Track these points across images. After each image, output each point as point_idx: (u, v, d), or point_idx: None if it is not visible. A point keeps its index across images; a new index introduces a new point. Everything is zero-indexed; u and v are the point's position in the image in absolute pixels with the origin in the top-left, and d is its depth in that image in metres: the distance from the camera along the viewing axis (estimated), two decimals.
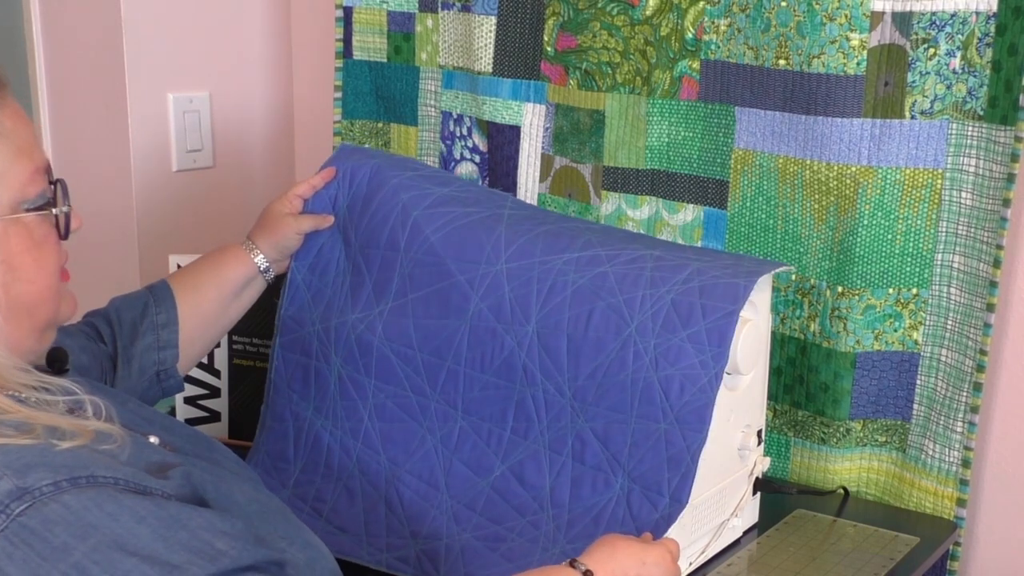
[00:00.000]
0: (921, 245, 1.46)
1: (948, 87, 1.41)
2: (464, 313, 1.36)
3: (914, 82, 1.41)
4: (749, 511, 1.39)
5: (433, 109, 1.82)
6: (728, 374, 1.26)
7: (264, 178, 2.06)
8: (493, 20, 1.69)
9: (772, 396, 1.57)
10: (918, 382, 1.49)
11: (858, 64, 1.42)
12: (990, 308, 1.39)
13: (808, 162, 1.48)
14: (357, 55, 1.86)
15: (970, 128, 1.40)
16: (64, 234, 1.05)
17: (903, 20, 1.40)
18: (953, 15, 1.38)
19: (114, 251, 1.90)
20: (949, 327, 1.45)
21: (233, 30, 1.98)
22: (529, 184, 1.72)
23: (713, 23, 1.53)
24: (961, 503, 1.46)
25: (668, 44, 1.56)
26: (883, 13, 1.40)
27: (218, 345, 1.66)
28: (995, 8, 1.36)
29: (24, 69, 1.92)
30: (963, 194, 1.42)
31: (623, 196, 1.64)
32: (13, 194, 1.00)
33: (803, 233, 1.52)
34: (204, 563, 0.88)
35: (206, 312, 1.41)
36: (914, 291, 1.47)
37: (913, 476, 1.50)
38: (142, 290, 1.41)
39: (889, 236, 1.46)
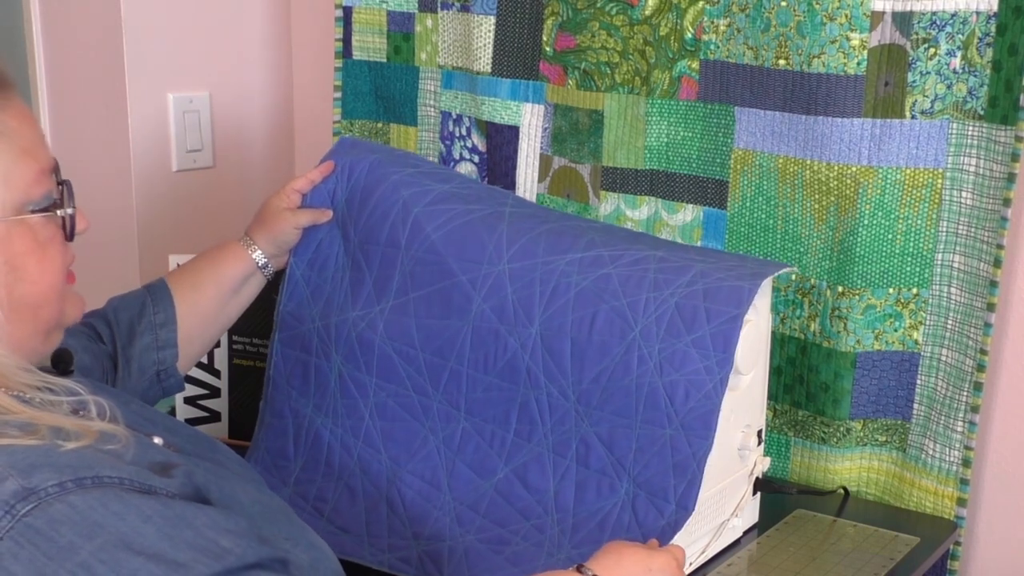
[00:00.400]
0: (921, 245, 1.46)
1: (948, 87, 1.41)
2: (466, 313, 1.35)
3: (914, 82, 1.41)
4: (749, 511, 1.39)
5: (432, 109, 1.82)
6: None
7: (264, 178, 2.06)
8: (492, 20, 1.69)
9: (772, 396, 1.57)
10: (918, 382, 1.49)
11: (858, 64, 1.42)
12: (990, 308, 1.39)
13: (808, 162, 1.48)
14: (357, 55, 1.86)
15: (970, 128, 1.40)
16: (70, 236, 1.05)
17: (903, 20, 1.40)
18: (953, 15, 1.38)
19: (114, 251, 1.90)
20: (949, 327, 1.45)
21: (233, 30, 1.98)
22: (528, 184, 1.72)
23: (712, 23, 1.52)
24: (961, 503, 1.46)
25: (667, 44, 1.56)
26: (883, 13, 1.40)
27: (218, 345, 1.66)
28: (995, 8, 1.36)
29: (24, 69, 1.92)
30: (963, 194, 1.42)
31: (622, 196, 1.64)
32: (17, 195, 0.99)
33: (803, 233, 1.52)
34: (210, 561, 0.88)
35: (204, 310, 1.41)
36: (914, 291, 1.47)
37: (913, 476, 1.50)
38: (140, 289, 1.40)
39: (889, 236, 1.46)
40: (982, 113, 1.39)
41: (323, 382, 1.44)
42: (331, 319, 1.44)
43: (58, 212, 1.03)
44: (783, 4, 1.45)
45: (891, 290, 1.48)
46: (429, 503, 1.34)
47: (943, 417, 1.46)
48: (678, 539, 1.21)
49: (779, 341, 1.56)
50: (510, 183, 1.73)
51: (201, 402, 1.68)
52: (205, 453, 1.13)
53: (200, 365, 1.65)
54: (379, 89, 1.86)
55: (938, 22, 1.39)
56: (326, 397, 1.44)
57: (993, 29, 1.36)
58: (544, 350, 1.31)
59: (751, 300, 1.24)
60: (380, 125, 1.89)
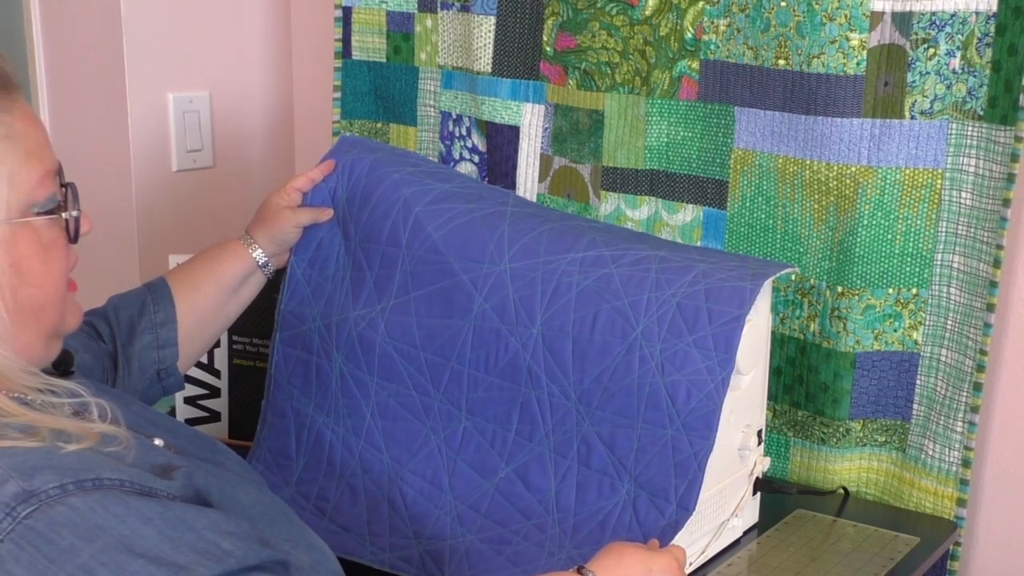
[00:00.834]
0: (921, 245, 1.46)
1: (948, 87, 1.41)
2: (468, 313, 1.35)
3: (914, 82, 1.41)
4: (749, 511, 1.39)
5: (432, 109, 1.82)
6: None
7: (264, 178, 2.06)
8: (492, 20, 1.69)
9: (772, 396, 1.57)
10: (918, 382, 1.49)
11: (858, 64, 1.42)
12: (990, 308, 1.39)
13: (808, 162, 1.48)
14: (356, 55, 1.86)
15: (970, 128, 1.40)
16: (73, 238, 1.05)
17: (903, 20, 1.40)
18: (953, 15, 1.38)
19: (114, 251, 1.90)
20: (949, 327, 1.45)
21: (233, 30, 1.99)
22: (528, 184, 1.72)
23: (712, 23, 1.52)
24: (961, 503, 1.46)
25: (667, 44, 1.56)
26: (883, 13, 1.40)
27: (218, 345, 1.66)
28: (995, 8, 1.36)
29: (24, 69, 1.92)
30: (963, 194, 1.42)
31: (622, 196, 1.64)
32: (22, 197, 0.99)
33: (803, 233, 1.52)
34: (211, 564, 0.88)
35: (204, 309, 1.41)
36: (914, 291, 1.47)
37: (913, 476, 1.50)
38: (140, 288, 1.40)
39: (889, 236, 1.46)
40: (982, 113, 1.39)
41: (324, 381, 1.44)
42: (332, 318, 1.44)
43: (62, 214, 1.03)
44: (783, 4, 1.45)
45: (891, 290, 1.48)
46: (430, 502, 1.35)
47: (943, 417, 1.46)
48: (678, 539, 1.21)
49: (779, 341, 1.56)
50: (510, 183, 1.73)
51: (201, 402, 1.68)
52: (206, 455, 1.13)
53: (200, 365, 1.65)
54: (379, 89, 1.87)
55: (938, 22, 1.39)
56: (328, 396, 1.44)
57: (993, 29, 1.36)
58: (545, 350, 1.31)
59: (753, 301, 1.24)
60: (380, 125, 1.89)
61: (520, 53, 1.68)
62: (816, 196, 1.49)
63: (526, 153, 1.71)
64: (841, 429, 1.52)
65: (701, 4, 1.52)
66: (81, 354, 1.26)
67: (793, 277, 1.54)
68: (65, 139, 1.93)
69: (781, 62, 1.47)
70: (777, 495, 1.47)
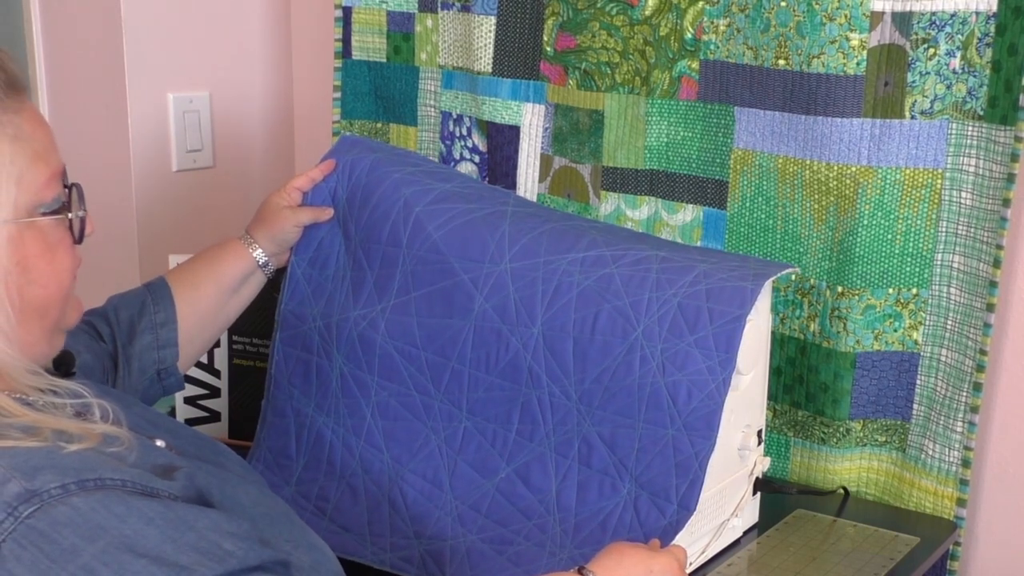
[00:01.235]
0: (921, 245, 1.46)
1: (948, 87, 1.41)
2: (468, 313, 1.35)
3: (914, 82, 1.41)
4: (749, 511, 1.39)
5: (433, 109, 1.82)
6: None
7: (264, 178, 2.06)
8: (492, 20, 1.69)
9: (772, 396, 1.57)
10: (918, 382, 1.49)
11: (858, 64, 1.42)
12: (990, 308, 1.39)
13: (808, 162, 1.48)
14: (356, 55, 1.86)
15: (970, 128, 1.40)
16: (79, 238, 1.06)
17: (903, 20, 1.40)
18: (953, 15, 1.38)
19: (114, 251, 1.90)
20: (949, 327, 1.45)
21: (233, 30, 1.99)
22: (528, 184, 1.72)
23: (712, 23, 1.52)
24: (961, 503, 1.46)
25: (667, 44, 1.56)
26: (883, 13, 1.40)
27: (218, 345, 1.66)
28: (995, 8, 1.36)
29: (24, 69, 1.91)
30: (963, 194, 1.42)
31: (622, 196, 1.64)
32: (30, 198, 1.00)
33: (803, 233, 1.52)
34: (212, 564, 0.88)
35: (204, 309, 1.41)
36: (914, 291, 1.47)
37: (913, 476, 1.50)
38: (140, 288, 1.40)
39: (889, 236, 1.46)
40: (982, 113, 1.39)
41: (324, 381, 1.44)
42: (332, 318, 1.44)
43: (68, 215, 1.04)
44: (783, 4, 1.45)
45: (891, 290, 1.48)
46: (431, 502, 1.34)
47: (943, 417, 1.46)
48: (680, 539, 1.21)
49: (779, 341, 1.56)
50: (511, 183, 1.73)
51: (201, 402, 1.68)
52: (207, 456, 1.13)
53: (200, 365, 1.65)
54: (379, 89, 1.87)
55: (938, 22, 1.39)
56: (328, 396, 1.44)
57: (993, 29, 1.36)
58: (546, 350, 1.31)
59: (754, 301, 1.24)
60: (380, 125, 1.89)
61: (520, 53, 1.68)
62: (816, 196, 1.49)
63: (526, 153, 1.71)
64: (841, 429, 1.52)
65: (701, 4, 1.52)
66: (82, 354, 1.26)
67: (793, 277, 1.54)
68: (65, 139, 1.92)
69: (781, 62, 1.47)
70: (777, 495, 1.47)
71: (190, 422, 1.63)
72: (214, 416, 1.69)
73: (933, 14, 1.39)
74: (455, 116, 1.79)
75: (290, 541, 1.06)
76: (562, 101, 1.67)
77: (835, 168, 1.46)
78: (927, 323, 1.47)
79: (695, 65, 1.55)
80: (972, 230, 1.41)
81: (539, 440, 1.32)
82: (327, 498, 1.39)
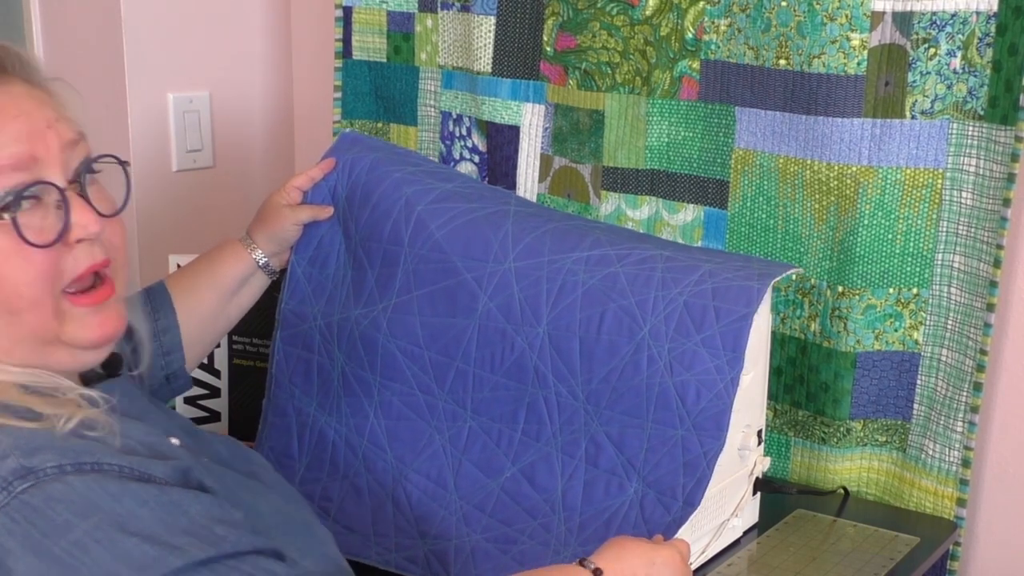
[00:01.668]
0: (921, 245, 1.46)
1: (948, 87, 1.41)
2: (472, 312, 1.35)
3: (914, 82, 1.41)
4: (749, 511, 1.39)
5: (433, 109, 1.82)
6: None
7: (264, 178, 2.06)
8: (492, 20, 1.69)
9: (772, 396, 1.57)
10: (918, 382, 1.49)
11: (858, 64, 1.42)
12: (990, 308, 1.39)
13: (808, 162, 1.48)
14: (357, 55, 1.86)
15: (970, 128, 1.40)
16: (31, 241, 0.98)
17: (903, 20, 1.40)
18: (953, 15, 1.38)
19: None
20: (949, 327, 1.45)
21: (233, 30, 1.98)
22: (528, 184, 1.72)
23: (713, 23, 1.52)
24: (961, 503, 1.46)
25: (668, 44, 1.56)
26: (883, 13, 1.40)
27: (218, 345, 1.65)
28: (995, 8, 1.36)
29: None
30: (963, 194, 1.42)
31: (623, 196, 1.64)
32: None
33: (803, 233, 1.52)
34: (205, 546, 0.89)
35: (204, 313, 1.41)
36: (914, 291, 1.47)
37: (913, 476, 1.50)
38: (139, 293, 1.40)
39: (889, 236, 1.46)
40: (982, 113, 1.39)
41: (326, 380, 1.44)
42: (333, 317, 1.43)
43: (5, 215, 0.96)
44: (783, 4, 1.45)
45: (891, 290, 1.48)
46: (435, 502, 1.34)
47: (943, 417, 1.46)
48: (680, 534, 1.21)
49: (779, 341, 1.56)
50: (511, 183, 1.73)
51: (201, 402, 1.68)
52: (236, 464, 1.13)
53: (200, 365, 1.65)
54: (379, 89, 1.86)
55: (938, 22, 1.39)
56: (329, 395, 1.43)
57: (993, 29, 1.36)
58: (552, 349, 1.30)
59: (761, 300, 1.24)
60: (380, 125, 1.89)
61: (520, 53, 1.68)
62: (817, 196, 1.49)
63: (526, 153, 1.71)
64: (842, 429, 1.52)
65: (702, 4, 1.52)
66: None
67: (794, 277, 1.54)
68: None
69: (782, 62, 1.47)
70: (777, 495, 1.47)
71: None
72: (214, 416, 1.69)
73: (934, 14, 1.39)
74: (455, 116, 1.79)
75: (300, 550, 1.06)
76: (562, 101, 1.67)
77: (836, 168, 1.46)
78: (927, 323, 1.47)
79: (696, 65, 1.55)
80: (972, 230, 1.41)
81: (545, 440, 1.31)
82: (330, 498, 1.39)
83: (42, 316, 0.99)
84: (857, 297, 1.48)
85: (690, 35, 1.54)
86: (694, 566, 1.29)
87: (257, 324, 1.62)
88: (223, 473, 1.07)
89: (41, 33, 1.93)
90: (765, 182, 1.53)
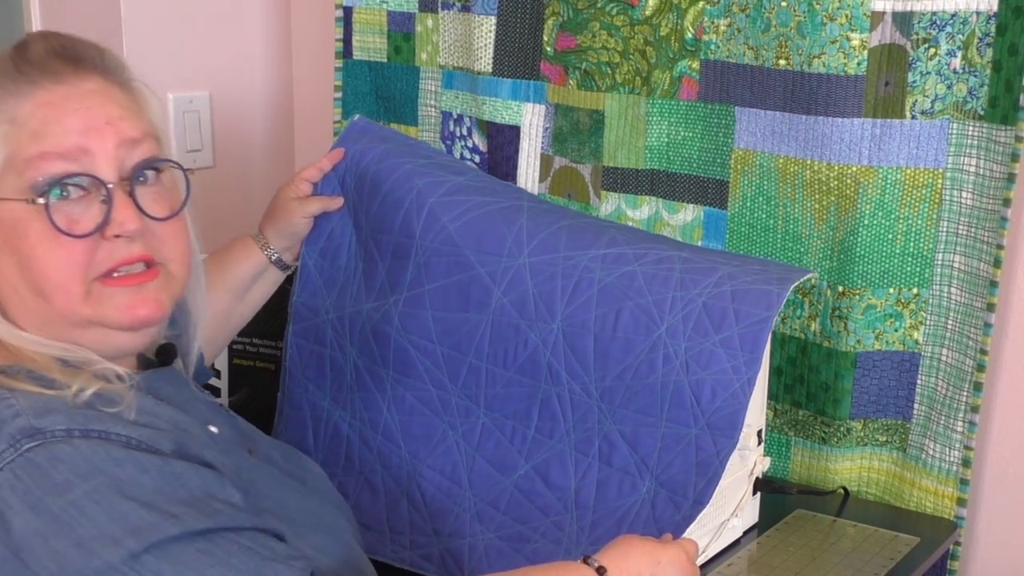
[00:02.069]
0: (921, 245, 1.46)
1: (948, 87, 1.41)
2: (486, 307, 1.34)
3: (914, 82, 1.41)
4: (749, 511, 1.39)
5: (433, 109, 1.82)
6: None
7: (264, 178, 2.06)
8: (493, 20, 1.69)
9: (772, 396, 1.57)
10: (919, 382, 1.49)
11: (858, 64, 1.42)
12: (990, 308, 1.39)
13: (808, 162, 1.48)
14: (357, 55, 1.86)
15: (970, 128, 1.40)
16: (64, 231, 1.01)
17: (903, 20, 1.40)
18: (953, 15, 1.38)
19: None
20: (949, 327, 1.45)
21: (233, 30, 1.98)
22: (529, 184, 1.71)
23: (713, 23, 1.52)
24: (961, 503, 1.46)
25: (668, 44, 1.56)
26: (883, 13, 1.40)
27: None
28: (995, 8, 1.36)
29: None
30: (963, 194, 1.42)
31: (623, 196, 1.64)
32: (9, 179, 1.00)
33: (803, 233, 1.52)
34: (202, 517, 0.91)
35: (216, 311, 1.40)
36: (915, 291, 1.47)
37: (913, 476, 1.50)
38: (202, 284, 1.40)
39: (889, 236, 1.46)
40: (982, 113, 1.39)
41: (339, 375, 1.43)
42: (345, 311, 1.42)
43: (37, 200, 0.99)
44: (783, 4, 1.45)
45: (891, 290, 1.48)
46: (449, 499, 1.34)
47: (943, 417, 1.46)
48: (687, 533, 1.21)
49: (779, 341, 1.56)
50: (511, 183, 1.73)
51: None
52: (286, 465, 1.15)
53: None
54: (379, 89, 1.86)
55: (938, 22, 1.39)
56: (343, 390, 1.43)
57: (993, 29, 1.36)
58: (566, 346, 1.30)
59: (781, 304, 1.24)
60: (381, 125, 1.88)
61: (521, 53, 1.68)
62: (817, 196, 1.49)
63: (527, 153, 1.71)
64: (842, 429, 1.52)
65: (701, 4, 1.52)
66: None
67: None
68: None
69: (782, 62, 1.47)
70: (777, 495, 1.47)
71: None
72: None
73: (934, 14, 1.39)
74: (455, 116, 1.79)
75: (317, 548, 1.06)
76: (562, 101, 1.67)
77: (836, 168, 1.46)
78: (928, 323, 1.47)
79: (696, 65, 1.55)
80: (973, 230, 1.41)
81: (559, 437, 1.31)
82: (346, 494, 1.39)
83: (69, 301, 1.01)
84: (857, 297, 1.48)
85: (690, 35, 1.54)
86: None
87: (257, 324, 1.61)
88: (259, 466, 1.08)
89: None
90: (765, 182, 1.53)
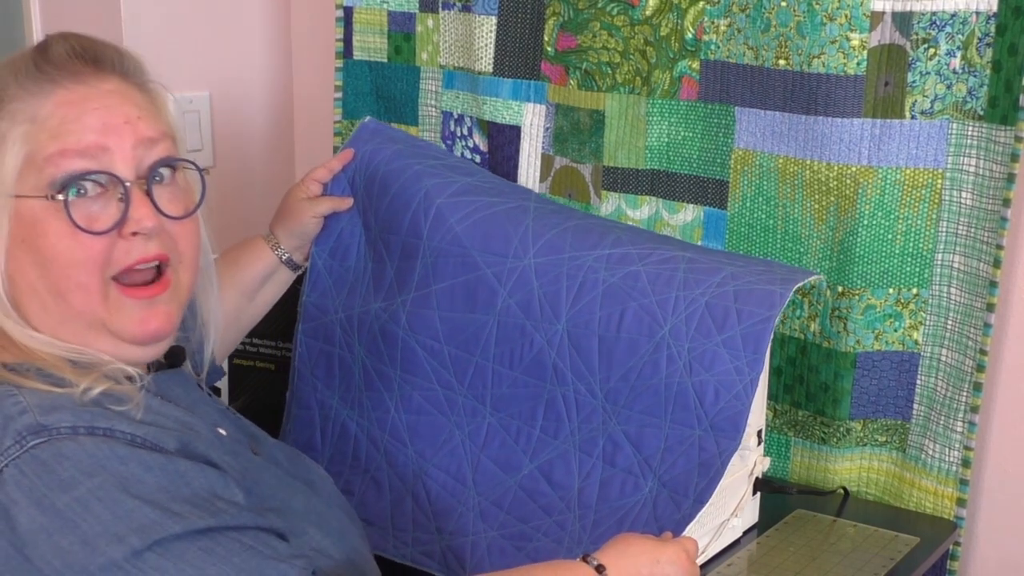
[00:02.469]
0: (921, 245, 1.46)
1: (948, 87, 1.41)
2: (492, 308, 1.34)
3: (914, 82, 1.41)
4: (749, 511, 1.39)
5: (434, 109, 1.82)
6: None
7: (264, 178, 2.06)
8: (493, 20, 1.69)
9: (772, 396, 1.57)
10: (918, 382, 1.49)
11: (858, 64, 1.42)
12: (990, 308, 1.39)
13: (808, 162, 1.48)
14: (357, 55, 1.86)
15: (970, 128, 1.40)
16: (83, 227, 1.01)
17: (903, 20, 1.40)
18: (953, 15, 1.38)
19: None
20: (949, 327, 1.45)
21: (233, 30, 1.98)
22: (529, 184, 1.71)
23: (713, 23, 1.53)
24: (961, 503, 1.46)
25: (668, 44, 1.56)
26: (883, 13, 1.40)
27: None
28: (995, 8, 1.36)
29: None
30: (963, 194, 1.42)
31: (623, 196, 1.64)
32: (28, 176, 1.01)
33: (803, 233, 1.52)
34: (206, 516, 0.91)
35: (226, 311, 1.40)
36: (914, 291, 1.48)
37: (913, 476, 1.50)
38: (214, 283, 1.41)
39: (889, 236, 1.46)
40: (982, 113, 1.39)
41: (347, 374, 1.44)
42: (354, 310, 1.43)
43: (57, 196, 0.99)
44: (783, 4, 1.45)
45: (891, 290, 1.48)
46: (454, 498, 1.34)
47: (943, 417, 1.46)
48: (687, 532, 1.21)
49: (779, 341, 1.56)
50: (520, 184, 1.73)
51: None
52: (295, 471, 1.15)
53: None
54: (380, 89, 1.86)
55: (938, 22, 1.39)
56: (351, 389, 1.43)
57: (993, 29, 1.37)
58: (571, 347, 1.30)
59: (783, 304, 1.24)
60: None
61: (521, 53, 1.68)
62: (816, 196, 1.49)
63: (527, 153, 1.71)
64: (841, 429, 1.52)
65: (701, 4, 1.52)
66: None
67: None
68: None
69: (781, 62, 1.47)
70: (777, 495, 1.47)
71: None
72: None
73: (933, 14, 1.39)
74: (456, 116, 1.79)
75: (323, 550, 1.07)
76: (563, 101, 1.67)
77: (835, 168, 1.46)
78: (927, 323, 1.47)
79: (696, 65, 1.55)
80: (972, 230, 1.41)
81: (563, 438, 1.31)
82: (352, 491, 1.39)
83: (88, 299, 1.01)
84: (857, 297, 1.48)
85: (690, 35, 1.54)
86: None
87: (257, 324, 1.61)
88: (264, 467, 1.09)
89: (41, 33, 1.93)
90: (765, 182, 1.53)
